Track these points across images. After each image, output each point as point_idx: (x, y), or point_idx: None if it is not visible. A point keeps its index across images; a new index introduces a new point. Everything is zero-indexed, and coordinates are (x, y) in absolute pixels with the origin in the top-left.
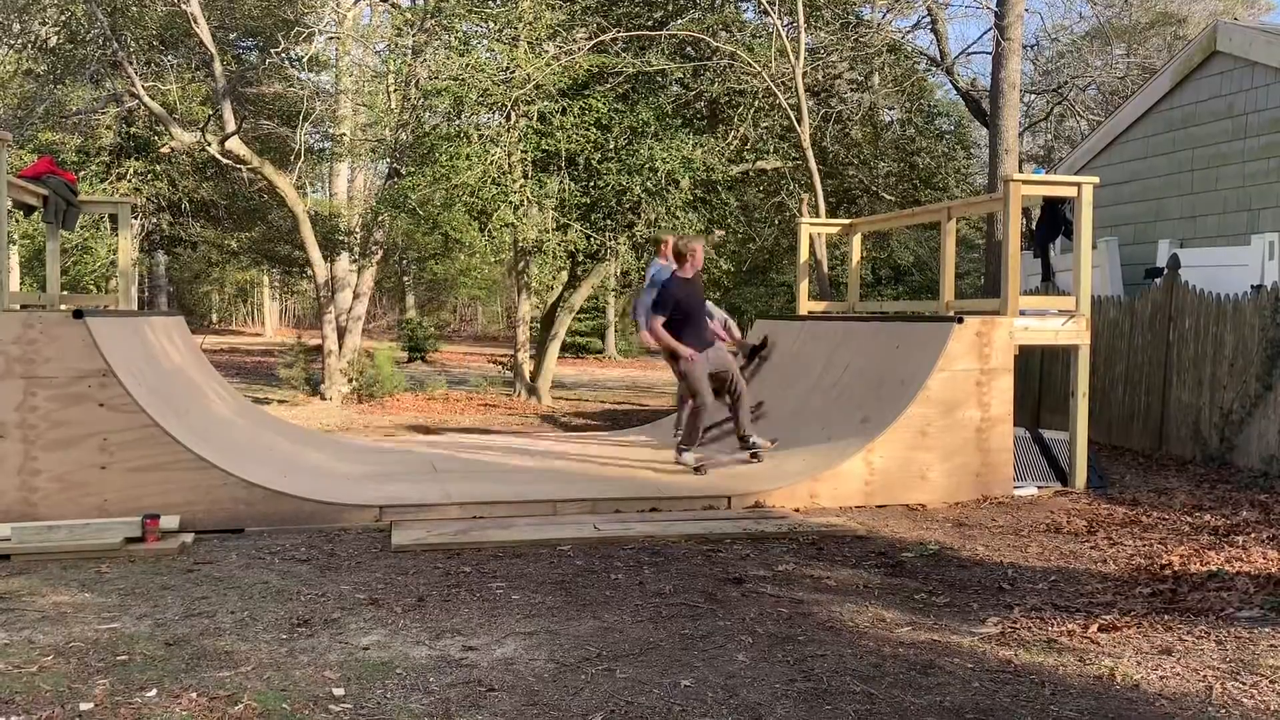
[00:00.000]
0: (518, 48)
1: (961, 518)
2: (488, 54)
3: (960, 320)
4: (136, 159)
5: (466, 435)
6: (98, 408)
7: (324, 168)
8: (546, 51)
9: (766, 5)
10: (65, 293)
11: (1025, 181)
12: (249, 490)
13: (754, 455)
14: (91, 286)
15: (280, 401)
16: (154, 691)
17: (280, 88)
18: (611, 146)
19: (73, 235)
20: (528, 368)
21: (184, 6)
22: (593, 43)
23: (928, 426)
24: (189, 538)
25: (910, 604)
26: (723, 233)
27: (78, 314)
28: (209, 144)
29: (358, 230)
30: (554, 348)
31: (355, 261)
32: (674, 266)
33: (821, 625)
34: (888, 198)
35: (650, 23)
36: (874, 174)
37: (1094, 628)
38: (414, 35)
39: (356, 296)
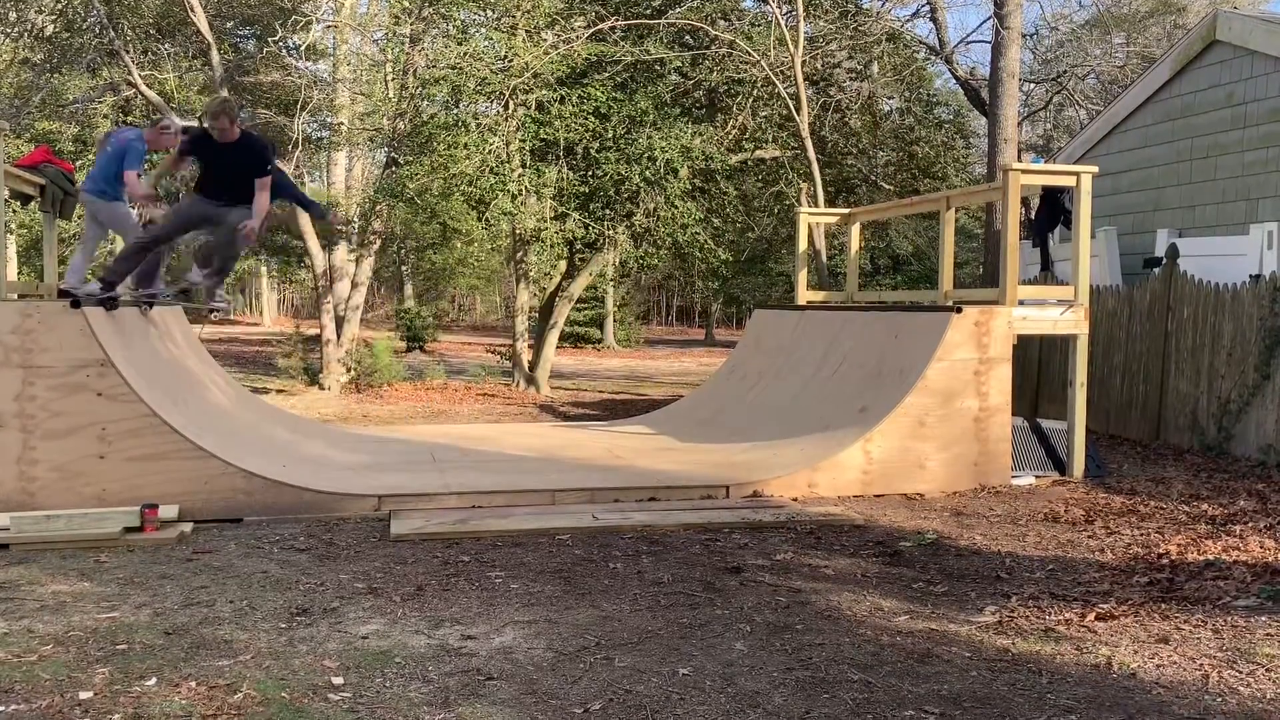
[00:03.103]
0: (515, 36)
1: (959, 507)
2: (485, 42)
3: (959, 310)
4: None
5: (465, 426)
6: (96, 397)
7: (322, 157)
8: (544, 40)
9: None
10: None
11: (1024, 171)
12: (248, 480)
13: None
14: (89, 276)
15: (279, 391)
16: (153, 680)
17: (278, 77)
18: (610, 135)
19: (70, 224)
20: (526, 357)
21: None
22: (591, 31)
23: (926, 416)
24: (188, 527)
25: (908, 593)
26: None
27: (75, 304)
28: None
29: (356, 219)
30: (552, 337)
31: (353, 251)
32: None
33: (819, 614)
34: (886, 187)
35: (649, 11)
36: (873, 163)
37: (1091, 616)
38: (411, 23)
39: (354, 286)
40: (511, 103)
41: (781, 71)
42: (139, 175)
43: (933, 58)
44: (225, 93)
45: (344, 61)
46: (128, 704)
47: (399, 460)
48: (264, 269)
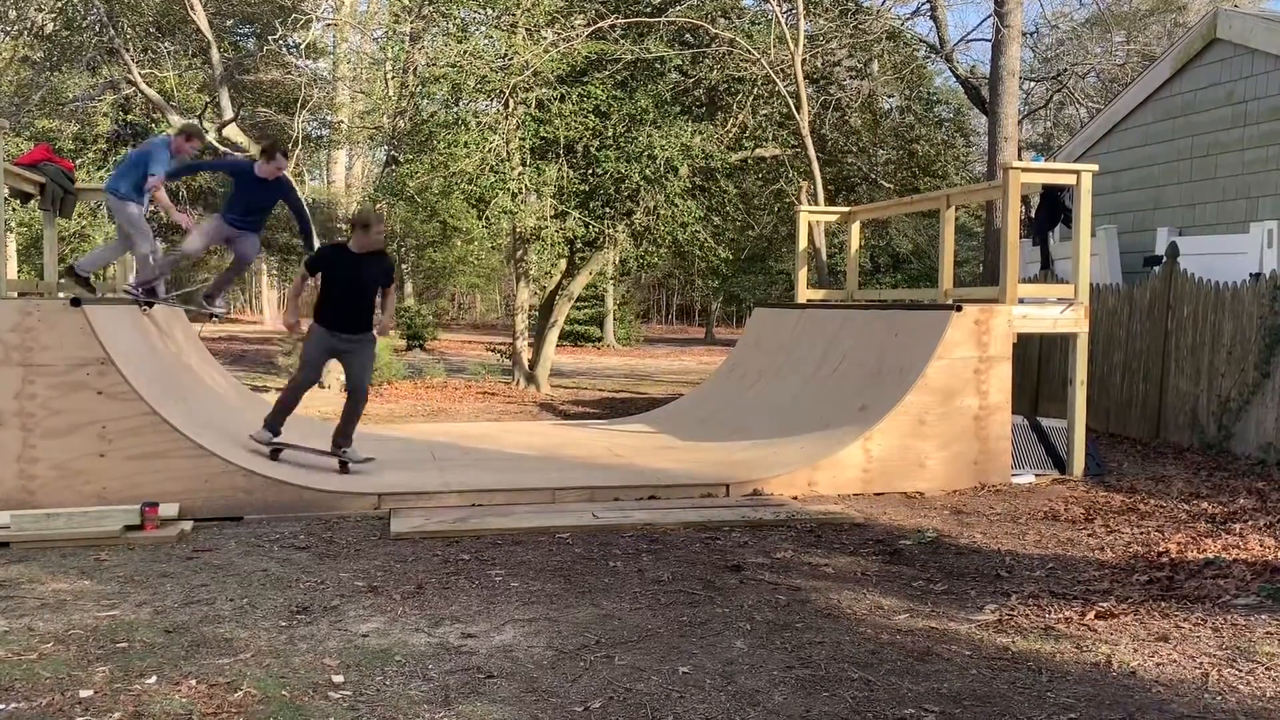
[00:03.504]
0: (516, 34)
1: (959, 505)
2: (486, 41)
3: (959, 308)
4: (134, 146)
5: (465, 424)
6: (96, 395)
7: (322, 155)
8: (545, 38)
9: None
10: (63, 281)
11: (1024, 169)
12: (248, 478)
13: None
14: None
15: (279, 389)
16: (154, 679)
17: (278, 75)
18: (610, 134)
19: (70, 223)
20: (526, 356)
21: None
22: (591, 29)
23: (926, 414)
24: (188, 525)
25: (908, 591)
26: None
27: (75, 302)
28: (206, 131)
29: None
30: (553, 336)
31: None
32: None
33: (819, 612)
34: (887, 185)
35: (649, 9)
36: (873, 161)
37: (1091, 615)
38: (411, 22)
39: None
40: (511, 101)
41: (781, 70)
42: (160, 177)
43: (933, 56)
44: (226, 91)
45: (344, 60)
46: (128, 702)
47: (399, 458)
48: (264, 267)
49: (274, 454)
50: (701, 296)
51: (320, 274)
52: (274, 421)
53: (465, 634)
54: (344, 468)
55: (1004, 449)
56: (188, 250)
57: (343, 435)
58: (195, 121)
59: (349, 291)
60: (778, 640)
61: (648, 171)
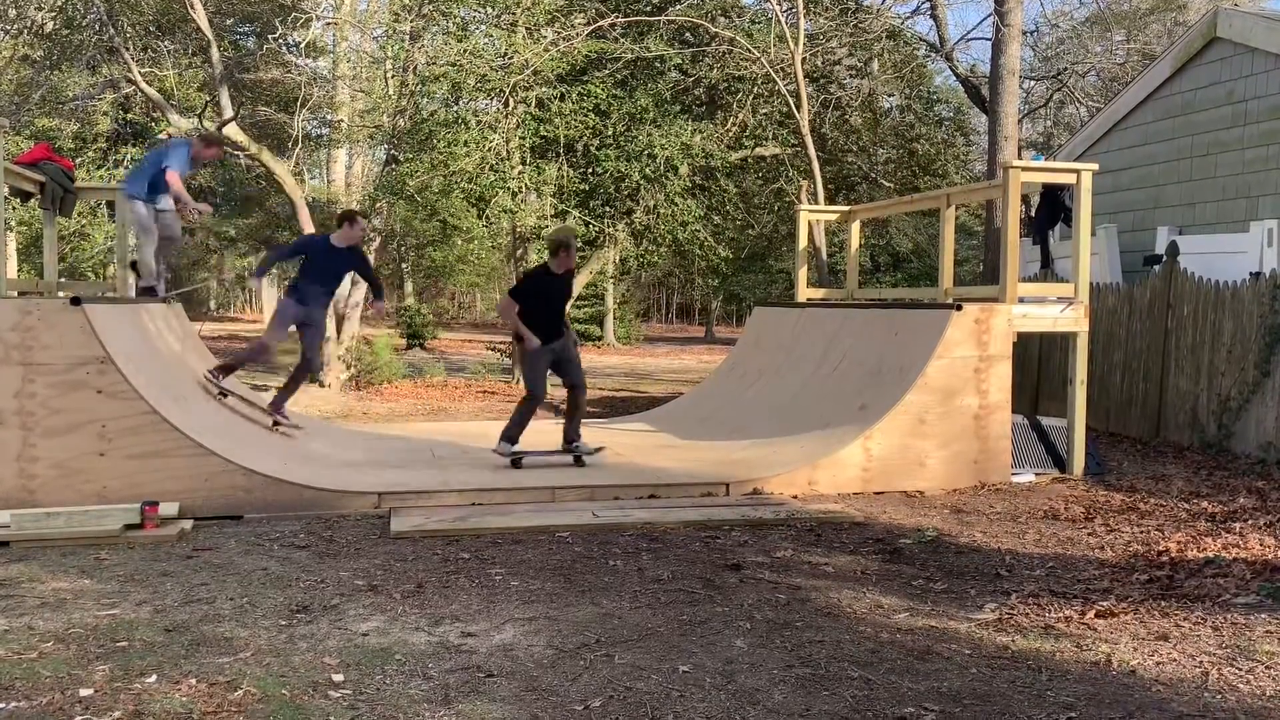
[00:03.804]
0: (516, 33)
1: (959, 504)
2: (486, 39)
3: (959, 307)
4: (134, 145)
5: (465, 423)
6: (96, 394)
7: (322, 154)
8: (545, 37)
9: None
10: (63, 279)
11: (1024, 168)
12: (248, 477)
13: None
14: (89, 274)
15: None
16: (154, 678)
17: (278, 74)
18: (610, 133)
19: (70, 222)
20: None
21: None
22: (591, 28)
23: (926, 414)
24: (188, 524)
25: (908, 590)
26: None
27: (75, 301)
28: (206, 130)
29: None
30: None
31: None
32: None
33: (819, 611)
34: (887, 184)
35: (649, 8)
36: (873, 160)
37: (1091, 614)
38: (411, 20)
39: (354, 283)
40: (511, 100)
41: (781, 69)
42: (175, 171)
43: (933, 55)
44: (226, 90)
45: (344, 59)
46: (128, 701)
47: (399, 457)
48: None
49: (515, 463)
50: (701, 295)
51: (526, 300)
52: (512, 434)
53: (465, 633)
54: (578, 462)
55: (1004, 448)
56: (268, 343)
57: (573, 431)
58: (216, 130)
59: (551, 306)
60: (778, 639)
61: (648, 170)
